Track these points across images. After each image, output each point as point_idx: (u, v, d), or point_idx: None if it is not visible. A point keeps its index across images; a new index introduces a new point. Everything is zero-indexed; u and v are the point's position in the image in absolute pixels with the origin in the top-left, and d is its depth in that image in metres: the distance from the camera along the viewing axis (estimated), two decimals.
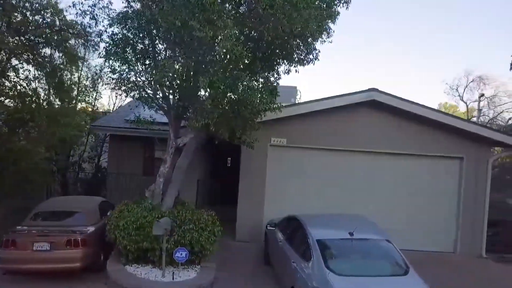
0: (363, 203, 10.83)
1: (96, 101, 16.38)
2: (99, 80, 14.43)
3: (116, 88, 8.56)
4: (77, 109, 15.12)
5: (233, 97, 6.82)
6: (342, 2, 8.53)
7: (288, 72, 8.78)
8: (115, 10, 7.77)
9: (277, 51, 7.46)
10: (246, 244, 10.53)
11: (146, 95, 8.12)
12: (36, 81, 11.25)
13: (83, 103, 15.58)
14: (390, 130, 10.95)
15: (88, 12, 7.60)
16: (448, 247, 11.08)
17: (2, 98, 10.61)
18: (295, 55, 7.53)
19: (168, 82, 6.65)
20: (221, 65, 6.30)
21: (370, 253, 6.44)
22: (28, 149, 10.67)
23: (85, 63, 14.27)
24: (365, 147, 10.94)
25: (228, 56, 6.27)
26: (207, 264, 8.42)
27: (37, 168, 11.28)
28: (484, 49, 58.39)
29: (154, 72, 6.63)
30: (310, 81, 67.52)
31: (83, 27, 9.48)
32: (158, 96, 7.93)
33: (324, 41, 8.06)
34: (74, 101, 13.71)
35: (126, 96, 8.72)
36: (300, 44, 7.10)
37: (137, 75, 7.93)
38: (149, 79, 7.27)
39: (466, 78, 28.25)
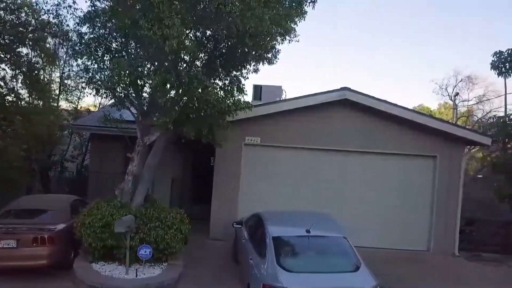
0: (337, 201, 10.93)
1: (79, 100, 16.43)
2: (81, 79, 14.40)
3: (87, 86, 8.64)
4: (59, 108, 15.17)
5: (189, 96, 6.86)
6: (309, 1, 8.63)
7: (256, 71, 8.83)
8: (82, 9, 7.82)
9: (235, 50, 7.50)
10: (219, 242, 10.58)
11: (111, 94, 8.18)
12: (14, 81, 11.28)
13: (65, 102, 15.63)
14: (363, 129, 11.01)
15: (51, 12, 7.64)
16: (422, 245, 11.15)
17: None
18: (253, 54, 7.54)
19: (122, 82, 6.69)
20: (171, 64, 6.35)
21: (324, 250, 6.51)
22: (2, 148, 10.71)
23: (65, 62, 14.31)
24: (338, 146, 11.00)
25: (179, 55, 6.31)
26: (175, 262, 8.47)
27: (14, 167, 11.33)
28: (473, 50, 58.59)
29: (107, 72, 6.71)
30: (304, 81, 67.43)
31: (59, 26, 9.56)
32: (120, 95, 7.96)
33: (287, 41, 8.14)
34: (52, 100, 13.72)
35: (95, 95, 8.76)
36: (261, 43, 7.09)
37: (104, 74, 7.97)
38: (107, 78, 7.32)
39: (455, 78, 28.34)
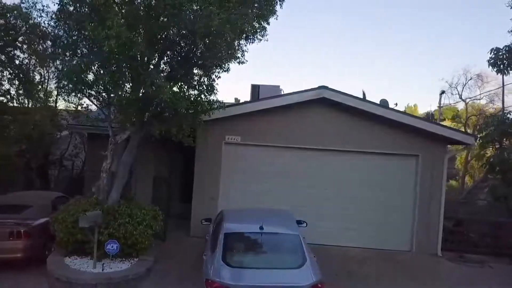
0: (316, 200, 10.95)
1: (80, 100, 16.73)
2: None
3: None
4: (56, 108, 15.65)
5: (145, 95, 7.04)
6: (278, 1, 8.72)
7: (226, 70, 8.92)
8: (53, 11, 8.08)
9: (190, 50, 7.62)
10: (199, 239, 10.68)
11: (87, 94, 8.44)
12: (6, 82, 11.75)
13: (64, 102, 16.01)
14: (343, 128, 10.97)
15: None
16: (404, 245, 10.99)
17: None
18: (206, 55, 7.59)
19: (69, 79, 6.92)
20: (110, 63, 6.53)
21: (274, 247, 6.58)
22: None
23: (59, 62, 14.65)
24: (317, 144, 10.98)
25: (129, 55, 6.46)
26: (146, 257, 8.67)
27: (6, 165, 11.80)
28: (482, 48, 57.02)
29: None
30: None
31: (48, 29, 9.88)
32: (91, 93, 8.17)
33: (255, 40, 8.22)
34: (42, 100, 14.17)
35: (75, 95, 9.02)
36: (215, 44, 7.15)
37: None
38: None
39: (464, 76, 27.60)
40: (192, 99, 7.77)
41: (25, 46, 11.77)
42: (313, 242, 10.45)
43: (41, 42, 11.28)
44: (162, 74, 7.39)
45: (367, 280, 8.59)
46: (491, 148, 16.20)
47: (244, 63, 9.00)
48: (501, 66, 14.81)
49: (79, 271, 7.75)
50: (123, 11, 6.36)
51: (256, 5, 8.38)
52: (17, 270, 8.23)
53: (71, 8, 7.58)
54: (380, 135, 10.88)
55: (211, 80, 8.99)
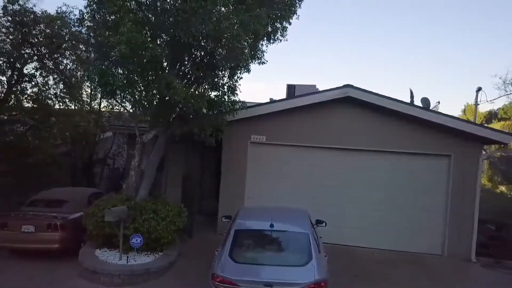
0: (340, 201, 10.94)
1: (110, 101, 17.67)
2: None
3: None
4: (99, 109, 16.67)
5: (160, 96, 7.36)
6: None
7: (248, 71, 9.08)
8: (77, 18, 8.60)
9: (205, 53, 7.84)
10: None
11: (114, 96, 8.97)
12: (52, 87, 12.75)
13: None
14: (371, 127, 10.75)
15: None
16: (435, 249, 10.58)
17: (24, 101, 12.26)
18: (219, 58, 7.77)
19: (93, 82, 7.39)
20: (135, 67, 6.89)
21: (282, 244, 6.63)
22: (39, 146, 12.20)
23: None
24: (343, 144, 10.86)
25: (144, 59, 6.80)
26: (170, 252, 9.07)
27: (52, 163, 12.79)
28: None
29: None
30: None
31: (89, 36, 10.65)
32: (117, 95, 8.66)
33: (273, 41, 8.33)
34: (84, 103, 15.14)
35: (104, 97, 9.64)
36: (229, 45, 7.30)
37: None
38: None
39: None
40: (209, 99, 7.99)
41: (67, 52, 12.67)
42: (339, 242, 10.48)
43: (82, 48, 12.12)
44: (179, 77, 7.68)
45: (385, 282, 8.37)
46: None
47: (264, 63, 9.14)
48: None
49: (105, 262, 8.25)
50: (137, 16, 6.73)
51: (274, 5, 8.46)
52: (54, 260, 8.94)
53: (87, 16, 8.11)
54: (409, 134, 10.56)
55: (233, 81, 9.20)
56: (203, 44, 7.38)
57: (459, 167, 10.31)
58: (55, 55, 12.51)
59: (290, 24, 9.24)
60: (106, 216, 8.06)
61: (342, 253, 9.93)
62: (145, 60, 6.68)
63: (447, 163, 10.48)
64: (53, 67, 12.41)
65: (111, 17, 6.65)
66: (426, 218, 10.58)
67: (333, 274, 8.14)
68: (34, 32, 11.84)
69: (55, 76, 12.43)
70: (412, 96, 22.21)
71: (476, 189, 10.20)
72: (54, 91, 12.93)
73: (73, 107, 13.92)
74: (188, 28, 6.68)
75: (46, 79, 12.24)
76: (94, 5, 7.23)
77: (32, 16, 11.70)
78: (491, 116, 29.65)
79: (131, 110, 8.96)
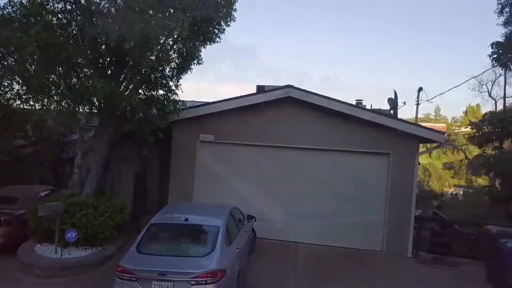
0: (287, 198, 11.14)
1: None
2: None
3: None
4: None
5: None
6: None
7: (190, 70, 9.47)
8: None
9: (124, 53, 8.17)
10: None
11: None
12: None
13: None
14: (313, 126, 11.03)
15: None
16: (376, 245, 10.84)
17: None
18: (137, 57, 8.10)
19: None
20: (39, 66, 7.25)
21: (192, 237, 6.95)
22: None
23: None
24: (288, 143, 11.13)
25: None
26: (109, 247, 9.38)
27: (18, 161, 13.17)
28: None
29: None
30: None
31: None
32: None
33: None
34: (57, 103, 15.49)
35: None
36: (148, 45, 7.61)
37: None
38: None
39: (494, 73, 26.01)
40: (145, 99, 8.28)
41: None
42: (281, 238, 10.76)
43: None
44: (101, 76, 8.00)
45: (319, 277, 8.64)
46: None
47: (201, 64, 9.49)
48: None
49: (40, 256, 8.58)
50: (52, 19, 7.07)
51: (205, 10, 8.76)
52: (5, 257, 9.18)
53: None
54: (350, 133, 10.84)
55: (173, 81, 9.58)
56: (119, 44, 7.66)
57: (397, 165, 10.59)
58: None
59: (228, 25, 9.62)
60: (39, 211, 8.40)
61: (282, 249, 10.23)
62: (59, 61, 7.01)
63: (387, 161, 10.76)
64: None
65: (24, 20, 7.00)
66: (368, 215, 10.83)
67: (270, 269, 8.52)
68: None
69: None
70: (396, 97, 22.58)
71: (413, 186, 10.49)
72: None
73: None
74: (102, 30, 7.01)
75: None
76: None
77: None
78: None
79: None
